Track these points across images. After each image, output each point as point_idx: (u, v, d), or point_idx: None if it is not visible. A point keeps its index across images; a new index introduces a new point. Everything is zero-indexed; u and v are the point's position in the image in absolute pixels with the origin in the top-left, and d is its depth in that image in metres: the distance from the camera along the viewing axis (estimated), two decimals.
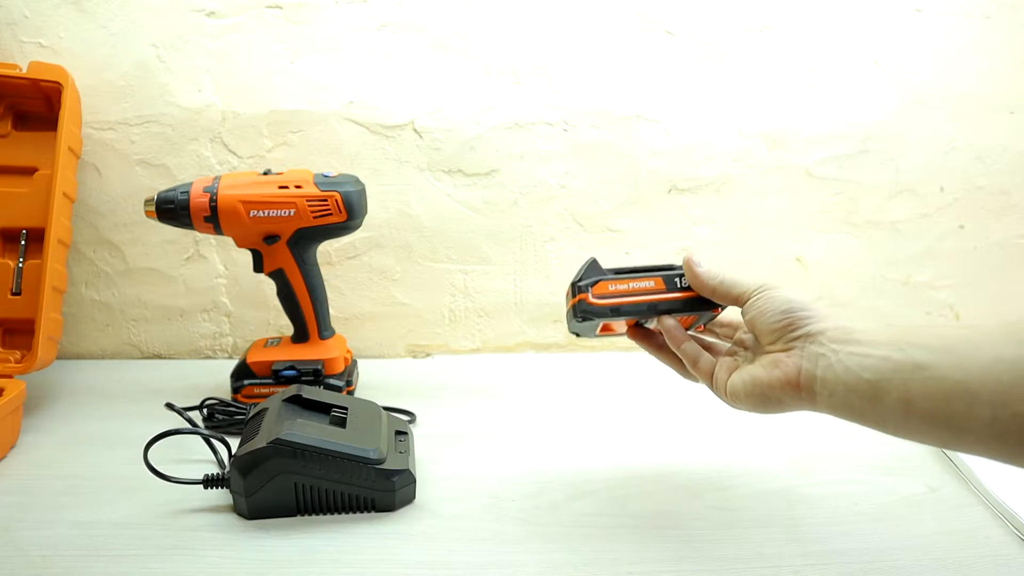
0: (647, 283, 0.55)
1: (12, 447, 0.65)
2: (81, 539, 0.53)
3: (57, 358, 0.75)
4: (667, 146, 0.87)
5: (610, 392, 0.79)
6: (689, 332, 0.56)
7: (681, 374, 0.57)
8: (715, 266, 0.53)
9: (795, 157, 0.89)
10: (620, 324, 0.57)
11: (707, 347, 0.56)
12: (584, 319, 0.54)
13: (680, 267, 0.55)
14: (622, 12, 0.83)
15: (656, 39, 0.84)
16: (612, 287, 0.54)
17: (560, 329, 0.92)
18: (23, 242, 0.76)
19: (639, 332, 0.58)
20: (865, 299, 0.95)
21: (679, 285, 0.55)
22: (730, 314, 0.57)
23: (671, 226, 0.90)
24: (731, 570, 0.50)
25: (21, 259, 0.76)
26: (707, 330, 0.59)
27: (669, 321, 0.54)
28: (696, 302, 0.54)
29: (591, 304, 0.54)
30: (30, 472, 0.62)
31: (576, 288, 0.55)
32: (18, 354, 0.74)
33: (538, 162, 0.86)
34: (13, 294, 0.75)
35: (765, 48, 0.85)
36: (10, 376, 0.68)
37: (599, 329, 0.57)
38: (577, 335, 0.58)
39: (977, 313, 0.96)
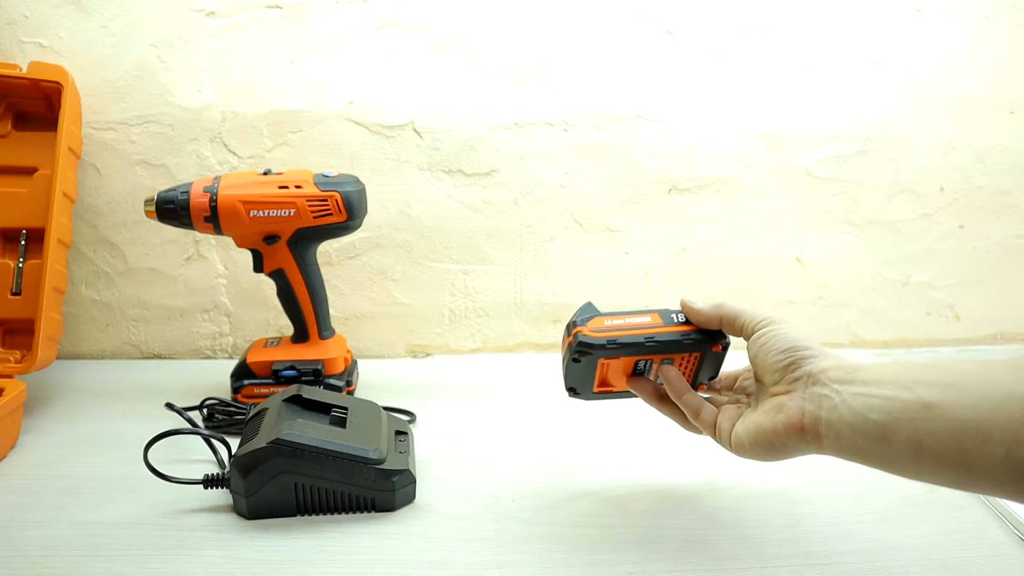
0: (644, 319, 0.54)
1: (12, 447, 0.65)
2: (81, 539, 0.53)
3: (57, 358, 0.75)
4: (667, 146, 0.87)
5: None
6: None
7: (683, 426, 0.56)
8: (713, 298, 0.53)
9: (795, 157, 0.89)
10: (619, 375, 0.56)
11: (709, 400, 0.55)
12: (581, 354, 0.53)
13: (674, 309, 0.55)
14: (622, 12, 0.83)
15: (656, 39, 0.84)
16: (608, 322, 0.53)
17: (560, 329, 0.92)
18: (23, 242, 0.76)
19: (639, 382, 0.56)
20: (865, 299, 0.95)
21: (676, 320, 0.54)
22: (727, 368, 0.57)
23: (671, 226, 0.90)
24: (731, 570, 0.50)
25: (21, 259, 0.76)
26: (709, 389, 0.57)
27: (671, 372, 0.54)
28: (696, 335, 0.53)
29: (587, 335, 0.52)
30: (30, 472, 0.62)
31: (571, 325, 0.54)
32: (18, 354, 0.74)
33: (538, 162, 0.86)
34: (13, 294, 0.75)
35: (765, 48, 0.85)
36: (10, 376, 0.68)
37: (597, 382, 0.56)
38: (574, 391, 0.56)
39: (977, 313, 0.96)
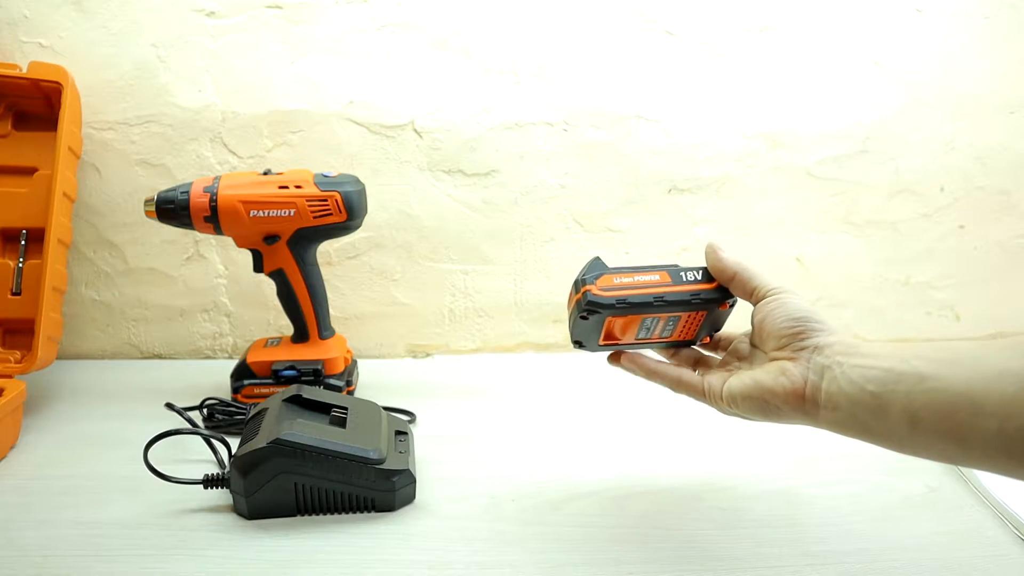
0: (652, 276, 0.53)
1: (12, 447, 0.65)
2: (81, 539, 0.53)
3: (57, 358, 0.75)
4: (667, 146, 0.87)
5: (610, 392, 0.79)
6: (694, 344, 0.57)
7: (672, 388, 0.56)
8: (738, 255, 0.53)
9: (795, 157, 0.89)
10: (625, 330, 0.55)
11: (700, 360, 0.57)
12: (589, 312, 0.52)
13: (682, 266, 0.54)
14: (622, 12, 0.83)
15: (656, 39, 0.84)
16: (617, 279, 0.53)
17: (560, 329, 0.92)
18: (23, 242, 0.76)
19: (622, 355, 0.57)
20: (865, 299, 0.95)
21: (684, 279, 0.54)
22: (722, 332, 0.57)
23: (671, 226, 0.90)
24: (731, 570, 0.50)
25: (21, 259, 0.76)
26: (710, 344, 0.58)
27: (649, 362, 0.55)
28: (705, 294, 0.53)
29: (596, 295, 0.52)
30: (30, 472, 0.62)
31: (580, 283, 0.53)
32: (18, 354, 0.74)
33: (538, 162, 0.86)
34: (13, 294, 0.75)
35: (765, 48, 0.85)
36: (10, 376, 0.68)
37: (603, 336, 0.55)
38: (580, 344, 0.56)
39: (977, 313, 0.96)
